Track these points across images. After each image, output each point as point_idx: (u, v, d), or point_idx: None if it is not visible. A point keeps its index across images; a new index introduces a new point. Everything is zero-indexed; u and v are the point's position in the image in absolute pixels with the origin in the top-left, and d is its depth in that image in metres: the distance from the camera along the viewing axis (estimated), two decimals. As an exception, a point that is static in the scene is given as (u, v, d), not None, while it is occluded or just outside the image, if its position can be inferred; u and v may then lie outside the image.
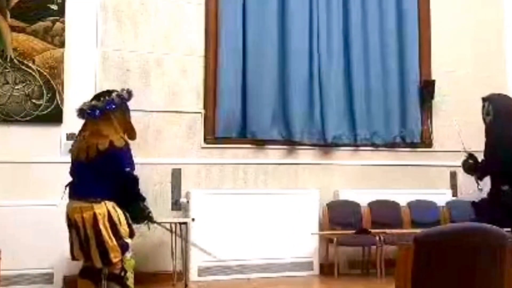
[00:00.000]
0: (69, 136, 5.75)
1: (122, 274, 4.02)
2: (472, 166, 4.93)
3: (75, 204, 4.02)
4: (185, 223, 5.72)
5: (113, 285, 4.00)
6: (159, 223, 4.74)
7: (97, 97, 4.28)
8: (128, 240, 4.07)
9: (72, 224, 4.04)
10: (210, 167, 6.29)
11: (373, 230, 6.20)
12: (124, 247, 4.00)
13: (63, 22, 5.80)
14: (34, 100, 5.68)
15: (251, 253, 6.10)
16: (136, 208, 4.20)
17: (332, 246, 6.21)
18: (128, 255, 4.04)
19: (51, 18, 5.76)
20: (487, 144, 4.77)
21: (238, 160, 6.40)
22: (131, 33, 6.14)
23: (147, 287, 5.57)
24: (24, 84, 5.66)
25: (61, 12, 5.80)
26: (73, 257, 4.16)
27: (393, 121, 6.97)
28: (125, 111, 4.29)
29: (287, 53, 6.61)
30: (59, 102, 5.73)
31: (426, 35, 7.23)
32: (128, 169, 4.10)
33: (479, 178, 4.87)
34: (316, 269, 6.34)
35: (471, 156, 5.02)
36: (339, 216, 6.44)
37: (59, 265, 5.42)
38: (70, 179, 4.29)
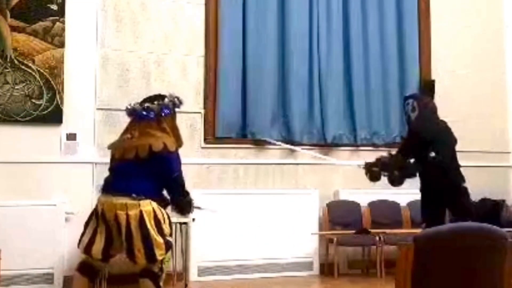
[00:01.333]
0: (69, 136, 5.76)
1: (159, 273, 4.03)
2: (376, 172, 5.24)
3: (117, 200, 3.95)
4: (185, 223, 5.72)
5: (147, 282, 3.99)
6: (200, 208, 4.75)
7: (149, 99, 4.31)
8: (170, 238, 4.11)
9: (106, 221, 3.98)
10: (210, 167, 6.29)
11: (373, 230, 6.20)
12: (168, 245, 4.03)
13: (63, 22, 5.80)
14: (34, 100, 5.67)
15: (251, 253, 6.10)
16: (183, 203, 4.24)
17: (332, 246, 6.21)
18: (169, 255, 4.06)
19: (51, 18, 5.76)
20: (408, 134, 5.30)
21: (238, 160, 6.40)
22: (131, 33, 6.15)
23: (147, 287, 5.58)
24: (24, 84, 5.66)
25: (61, 12, 5.80)
26: (88, 252, 4.05)
27: (393, 121, 6.97)
28: (175, 117, 4.36)
29: (287, 53, 6.61)
30: (59, 102, 5.73)
31: (426, 35, 7.23)
32: (176, 174, 4.14)
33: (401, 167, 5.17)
34: (316, 269, 6.34)
35: (371, 164, 5.30)
36: (339, 216, 6.44)
37: (59, 265, 5.42)
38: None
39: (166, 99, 4.30)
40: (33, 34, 5.70)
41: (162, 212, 4.05)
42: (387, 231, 6.16)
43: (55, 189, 5.61)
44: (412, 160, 5.12)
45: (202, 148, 6.29)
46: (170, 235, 4.14)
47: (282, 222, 6.23)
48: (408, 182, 6.75)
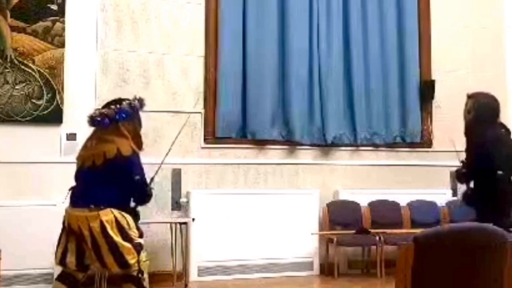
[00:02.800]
0: (69, 136, 5.76)
1: (140, 275, 4.01)
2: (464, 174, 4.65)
3: (78, 212, 3.95)
4: (185, 223, 5.73)
5: (130, 287, 3.99)
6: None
7: (108, 105, 4.26)
8: (141, 240, 4.07)
9: (74, 232, 3.99)
10: (210, 167, 6.29)
11: (373, 230, 6.20)
12: (138, 248, 4.00)
13: (63, 22, 5.80)
14: (34, 100, 5.68)
15: (251, 253, 6.11)
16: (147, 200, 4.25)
17: (332, 246, 6.22)
18: (143, 256, 4.04)
19: (51, 18, 5.77)
20: (470, 143, 4.52)
21: (238, 160, 6.40)
22: (131, 33, 6.15)
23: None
24: (24, 84, 5.66)
25: (61, 12, 5.81)
26: (63, 264, 4.05)
27: (393, 121, 6.97)
28: (135, 121, 4.26)
29: (287, 53, 6.61)
30: (59, 102, 5.74)
31: (426, 35, 7.23)
32: (137, 177, 4.08)
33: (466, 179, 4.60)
34: (316, 269, 6.34)
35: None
36: (339, 216, 6.44)
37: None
38: (70, 180, 4.27)
39: (124, 103, 4.20)
40: (33, 34, 5.70)
41: (125, 218, 3.99)
42: (387, 231, 6.16)
43: (55, 189, 5.60)
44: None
45: (202, 148, 6.29)
46: (141, 236, 4.08)
47: (282, 222, 6.23)
48: (408, 182, 6.79)
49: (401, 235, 5.81)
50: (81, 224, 3.91)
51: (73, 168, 5.77)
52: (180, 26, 6.32)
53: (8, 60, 5.62)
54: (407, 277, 2.41)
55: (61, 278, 4.13)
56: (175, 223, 5.75)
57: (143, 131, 6.07)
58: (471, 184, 4.50)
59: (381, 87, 6.95)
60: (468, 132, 4.52)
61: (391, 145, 6.93)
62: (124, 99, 4.27)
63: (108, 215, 3.90)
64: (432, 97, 7.10)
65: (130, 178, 4.04)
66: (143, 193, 4.18)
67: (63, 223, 4.09)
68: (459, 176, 4.69)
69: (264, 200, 6.25)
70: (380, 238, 6.11)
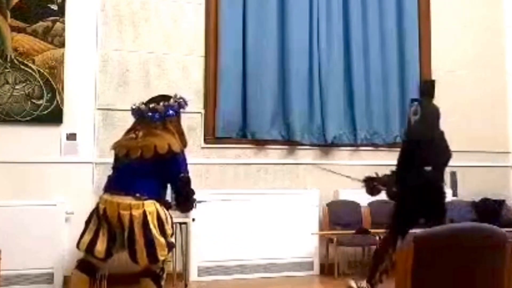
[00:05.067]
0: (69, 136, 5.76)
1: (161, 273, 4.03)
2: (373, 188, 5.07)
3: (121, 199, 3.94)
4: (185, 223, 5.73)
5: (149, 282, 3.99)
6: None
7: (155, 100, 4.30)
8: (172, 239, 4.10)
9: (109, 220, 3.97)
10: (210, 167, 6.29)
11: (373, 230, 6.19)
12: (170, 246, 4.03)
13: (63, 22, 5.80)
14: (34, 100, 5.68)
15: (251, 253, 6.10)
16: (188, 203, 4.26)
17: (332, 246, 6.22)
18: (170, 255, 4.05)
19: (51, 18, 5.77)
20: (415, 142, 4.90)
21: (238, 160, 6.40)
22: (131, 33, 6.15)
23: (147, 287, 5.57)
24: (24, 84, 5.66)
25: (61, 12, 5.81)
26: (90, 251, 4.00)
27: (393, 121, 6.96)
28: (179, 118, 4.35)
29: (287, 53, 6.61)
30: (59, 102, 5.74)
31: (426, 35, 7.23)
32: (183, 174, 4.14)
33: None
34: (316, 269, 6.34)
35: (370, 179, 5.11)
36: (339, 216, 6.44)
37: (59, 265, 5.42)
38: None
39: (171, 100, 4.29)
40: (33, 34, 5.70)
41: (165, 213, 4.05)
42: (387, 231, 6.15)
43: (55, 189, 5.61)
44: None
45: (202, 148, 6.29)
46: (172, 235, 4.14)
47: (282, 222, 6.22)
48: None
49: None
50: (122, 211, 3.90)
51: (73, 168, 5.80)
52: (180, 26, 6.32)
53: (8, 60, 5.63)
54: (407, 277, 2.41)
55: (81, 266, 4.08)
56: (175, 223, 5.72)
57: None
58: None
59: (381, 87, 6.95)
60: (414, 133, 4.90)
61: (391, 145, 6.92)
62: (169, 96, 4.34)
63: (151, 206, 3.94)
64: (432, 97, 7.08)
65: (176, 175, 4.11)
66: (186, 191, 4.19)
67: (96, 209, 4.06)
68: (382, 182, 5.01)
69: (264, 200, 6.25)
70: (380, 238, 6.10)
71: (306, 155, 6.64)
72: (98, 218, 4.04)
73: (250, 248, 6.10)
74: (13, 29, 5.65)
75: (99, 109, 5.94)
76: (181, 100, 4.34)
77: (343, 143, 6.77)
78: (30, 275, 5.37)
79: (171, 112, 4.23)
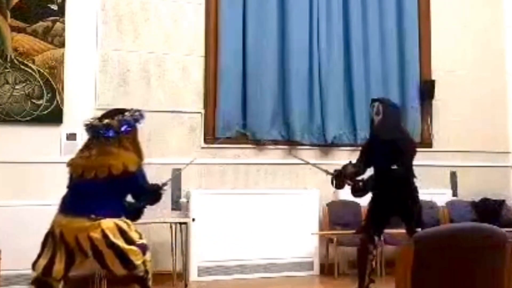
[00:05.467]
0: (69, 136, 5.76)
1: (145, 276, 3.98)
2: (341, 181, 5.03)
3: (77, 223, 3.84)
4: (185, 223, 5.73)
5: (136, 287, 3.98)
6: None
7: (109, 115, 4.15)
8: (143, 241, 4.03)
9: (65, 242, 3.87)
10: (210, 167, 6.29)
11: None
12: (143, 248, 3.96)
13: (63, 22, 5.81)
14: (34, 100, 5.68)
15: (251, 253, 6.10)
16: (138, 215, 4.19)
17: (332, 246, 6.22)
18: (148, 256, 4.02)
19: (51, 18, 5.77)
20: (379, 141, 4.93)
21: (238, 160, 6.40)
22: (131, 33, 6.15)
23: (147, 287, 5.57)
24: (24, 84, 5.66)
25: (61, 12, 5.81)
26: (48, 273, 3.92)
27: (393, 121, 6.96)
28: (135, 132, 4.18)
29: (287, 53, 6.61)
30: (59, 102, 5.74)
31: (426, 35, 7.24)
32: (144, 189, 4.09)
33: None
34: (316, 269, 6.34)
35: (338, 172, 5.08)
36: (339, 216, 6.44)
37: (59, 265, 5.41)
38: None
39: (126, 114, 4.12)
40: (33, 34, 5.71)
41: (124, 221, 3.95)
42: (387, 231, 6.15)
43: (55, 189, 5.58)
44: (371, 174, 4.95)
45: (202, 148, 6.29)
46: (141, 237, 4.02)
47: (282, 222, 6.23)
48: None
49: (401, 235, 5.80)
50: (79, 235, 3.81)
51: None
52: (180, 26, 6.32)
53: (8, 60, 5.63)
54: (407, 277, 2.41)
55: (37, 286, 4.00)
56: (175, 223, 5.74)
57: (142, 131, 6.09)
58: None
59: (381, 87, 6.95)
60: (379, 132, 4.91)
61: (391, 145, 6.92)
62: (124, 110, 4.20)
63: (109, 223, 3.83)
64: (432, 97, 7.11)
65: (136, 191, 4.05)
66: (156, 195, 4.20)
67: (51, 232, 3.96)
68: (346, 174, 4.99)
69: (264, 200, 6.25)
70: (379, 239, 6.09)
71: (306, 155, 6.63)
72: (54, 241, 3.94)
73: (250, 248, 6.10)
74: (13, 29, 5.65)
75: (99, 109, 5.92)
76: (137, 114, 4.17)
77: (343, 143, 6.77)
78: (30, 275, 5.35)
79: (126, 127, 4.06)
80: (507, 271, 2.51)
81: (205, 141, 6.31)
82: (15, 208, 5.37)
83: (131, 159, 4.00)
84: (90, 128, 4.12)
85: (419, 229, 4.56)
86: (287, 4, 6.63)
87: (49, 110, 5.71)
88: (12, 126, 5.61)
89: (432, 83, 7.11)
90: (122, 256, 3.84)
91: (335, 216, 6.43)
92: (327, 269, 6.27)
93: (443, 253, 2.40)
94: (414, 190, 4.89)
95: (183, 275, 5.72)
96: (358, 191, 4.91)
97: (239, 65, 6.45)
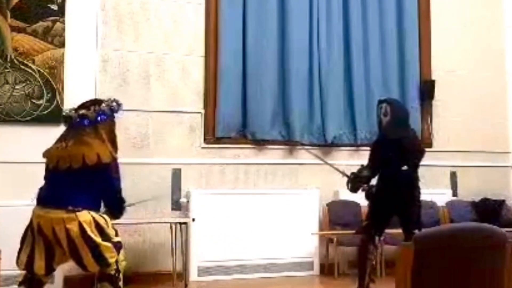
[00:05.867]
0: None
1: (116, 274, 3.96)
2: (359, 185, 5.01)
3: (54, 214, 3.83)
4: (185, 223, 5.73)
5: (106, 285, 3.94)
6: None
7: (85, 105, 4.13)
8: (119, 238, 4.01)
9: (43, 235, 3.86)
10: (210, 167, 6.29)
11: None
12: (117, 246, 3.95)
13: (63, 22, 5.80)
14: (34, 100, 5.68)
15: (251, 253, 6.11)
16: (118, 210, 4.15)
17: (332, 246, 6.22)
18: (121, 255, 4.01)
19: (51, 18, 5.77)
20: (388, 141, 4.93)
21: (238, 160, 6.40)
22: (131, 33, 6.15)
23: (147, 287, 5.58)
24: (24, 84, 5.66)
25: (61, 12, 5.80)
26: (29, 270, 3.93)
27: (393, 121, 6.96)
28: (112, 123, 4.16)
29: (287, 53, 6.61)
30: (59, 102, 5.74)
31: (426, 35, 7.24)
32: (116, 184, 4.02)
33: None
34: (316, 269, 6.34)
35: (356, 175, 5.04)
36: (339, 216, 6.44)
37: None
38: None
39: (103, 104, 4.10)
40: (33, 34, 5.70)
41: (102, 217, 3.94)
42: (387, 231, 6.15)
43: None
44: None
45: (202, 148, 6.29)
46: (117, 235, 4.02)
47: (282, 222, 6.23)
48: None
49: (401, 235, 5.79)
50: (56, 226, 3.79)
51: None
52: (180, 26, 6.32)
53: (8, 60, 5.62)
54: (407, 277, 2.41)
55: (27, 283, 3.99)
56: (175, 223, 5.74)
57: (142, 131, 6.11)
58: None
59: (381, 87, 6.95)
60: (388, 133, 4.92)
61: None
62: (101, 101, 4.18)
63: (86, 216, 3.81)
64: (432, 97, 7.11)
65: (106, 184, 3.97)
66: (117, 201, 4.08)
67: (30, 225, 3.96)
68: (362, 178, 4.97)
69: (264, 200, 6.25)
70: (379, 239, 6.09)
71: (306, 155, 6.62)
72: (33, 234, 3.93)
73: (250, 248, 6.10)
74: (13, 29, 5.65)
75: (99, 109, 5.94)
76: (114, 104, 4.15)
77: (343, 143, 6.78)
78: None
79: (102, 116, 4.04)
80: (507, 271, 2.50)
81: (205, 141, 6.31)
82: (15, 208, 5.35)
83: (105, 150, 3.98)
84: (67, 118, 4.14)
85: (417, 231, 4.59)
86: (287, 4, 6.63)
87: (49, 110, 5.71)
88: (12, 126, 5.61)
89: (432, 83, 7.11)
90: (97, 252, 3.82)
91: (335, 216, 6.44)
92: (327, 269, 6.27)
93: (443, 253, 2.40)
94: (417, 192, 4.91)
95: (183, 275, 5.72)
96: (370, 196, 4.93)
97: (239, 65, 6.45)
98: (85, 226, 3.79)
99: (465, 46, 7.35)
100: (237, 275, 6.06)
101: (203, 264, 5.97)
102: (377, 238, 4.89)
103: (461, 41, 7.34)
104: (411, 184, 4.83)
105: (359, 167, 6.54)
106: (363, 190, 4.93)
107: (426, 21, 7.25)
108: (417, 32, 7.19)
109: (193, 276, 5.92)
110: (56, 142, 4.17)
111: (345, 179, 5.08)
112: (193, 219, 5.83)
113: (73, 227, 3.77)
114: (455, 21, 7.37)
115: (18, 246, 4.81)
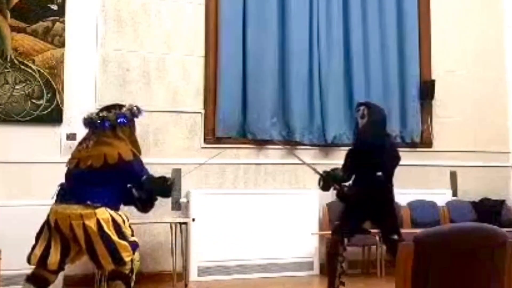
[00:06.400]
0: (69, 136, 5.76)
1: (130, 274, 3.99)
2: (330, 184, 4.93)
3: (71, 210, 3.87)
4: (185, 223, 5.73)
5: (119, 284, 3.96)
6: None
7: (107, 109, 4.23)
8: (135, 238, 4.06)
9: (60, 231, 3.90)
10: (210, 167, 6.29)
11: (373, 230, 6.18)
12: (134, 246, 3.98)
13: (63, 22, 5.81)
14: (34, 100, 5.68)
15: (251, 253, 6.11)
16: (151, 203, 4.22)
17: (332, 246, 6.21)
18: (137, 255, 4.03)
19: (51, 18, 5.77)
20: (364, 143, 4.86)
21: (238, 160, 6.40)
22: (131, 33, 6.15)
23: (147, 287, 5.57)
24: (24, 84, 5.66)
25: (61, 12, 5.81)
26: (43, 264, 3.94)
27: (393, 121, 6.94)
28: (133, 127, 4.25)
29: (287, 53, 6.61)
30: (59, 102, 5.74)
31: (426, 35, 7.24)
32: (144, 177, 4.07)
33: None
34: (316, 269, 6.34)
35: (328, 174, 4.97)
36: (339, 216, 6.43)
37: (59, 265, 5.41)
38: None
39: (123, 108, 4.20)
40: (33, 34, 5.71)
41: (120, 216, 3.97)
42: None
43: (55, 189, 5.60)
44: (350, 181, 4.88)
45: (202, 148, 6.29)
46: (133, 235, 4.06)
47: (282, 222, 6.23)
48: (408, 182, 6.77)
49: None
50: (74, 222, 3.83)
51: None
52: (181, 26, 6.32)
53: (8, 60, 5.63)
54: (407, 277, 2.41)
55: (33, 280, 4.00)
56: (175, 223, 5.74)
57: (142, 130, 6.10)
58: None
59: (381, 87, 6.95)
60: (363, 137, 4.85)
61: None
62: (122, 105, 4.26)
63: (104, 213, 3.86)
64: (432, 97, 7.11)
65: (135, 181, 4.04)
66: (163, 186, 4.17)
67: (47, 221, 4.00)
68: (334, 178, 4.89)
69: (264, 200, 6.25)
70: (380, 238, 6.10)
71: (306, 155, 6.63)
72: (49, 230, 3.96)
73: (250, 248, 6.11)
74: (13, 29, 5.65)
75: (99, 109, 5.93)
76: (134, 108, 4.23)
77: (343, 143, 6.76)
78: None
79: (122, 119, 4.13)
80: (507, 271, 2.51)
81: (205, 141, 6.31)
82: (15, 208, 5.37)
83: (125, 148, 4.05)
84: (88, 121, 4.21)
85: (396, 237, 4.61)
86: (287, 4, 6.63)
87: (49, 110, 5.71)
88: (12, 126, 5.61)
89: (432, 83, 7.11)
90: (113, 250, 3.84)
91: (335, 216, 6.42)
92: (327, 269, 6.26)
93: (443, 253, 2.40)
94: (391, 199, 4.85)
95: (183, 275, 5.72)
96: (342, 196, 4.85)
97: (239, 65, 6.45)
98: (103, 223, 3.83)
99: (465, 46, 7.35)
100: (237, 275, 6.06)
101: (203, 264, 5.98)
102: (346, 240, 4.78)
103: (461, 41, 7.34)
104: (384, 191, 4.74)
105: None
106: (334, 189, 4.84)
107: (426, 21, 7.25)
108: (417, 32, 7.19)
109: (193, 276, 5.92)
110: (78, 145, 4.25)
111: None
112: (193, 219, 5.83)
113: (91, 224, 3.82)
114: (455, 21, 7.37)
115: (18, 246, 4.83)
